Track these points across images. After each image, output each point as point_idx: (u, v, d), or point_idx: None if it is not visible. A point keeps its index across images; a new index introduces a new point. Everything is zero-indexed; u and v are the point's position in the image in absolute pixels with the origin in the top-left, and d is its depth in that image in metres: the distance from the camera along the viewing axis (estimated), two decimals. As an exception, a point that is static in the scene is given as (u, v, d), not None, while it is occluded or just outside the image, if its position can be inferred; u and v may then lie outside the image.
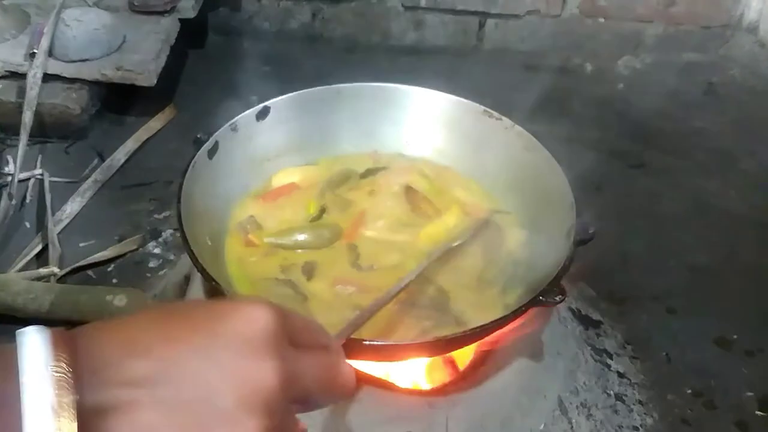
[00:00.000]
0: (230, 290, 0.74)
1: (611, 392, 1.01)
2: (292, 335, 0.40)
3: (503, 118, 0.94)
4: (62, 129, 1.53)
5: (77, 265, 1.23)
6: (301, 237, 0.88)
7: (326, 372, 0.42)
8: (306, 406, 0.41)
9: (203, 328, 0.36)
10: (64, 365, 0.32)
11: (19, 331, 0.34)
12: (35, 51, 1.48)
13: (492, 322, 0.70)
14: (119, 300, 1.09)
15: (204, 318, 0.37)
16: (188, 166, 0.83)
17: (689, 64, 1.89)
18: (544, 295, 0.71)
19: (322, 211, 0.92)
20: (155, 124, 1.60)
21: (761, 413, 1.05)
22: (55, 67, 1.51)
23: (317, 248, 0.87)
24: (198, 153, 0.86)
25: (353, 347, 0.71)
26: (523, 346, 0.85)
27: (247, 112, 0.93)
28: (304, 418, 0.41)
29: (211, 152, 0.87)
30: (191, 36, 1.80)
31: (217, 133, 0.89)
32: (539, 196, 0.88)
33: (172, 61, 1.62)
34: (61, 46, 1.52)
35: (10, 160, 1.44)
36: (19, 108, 1.45)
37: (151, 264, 1.26)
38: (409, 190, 0.95)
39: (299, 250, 0.87)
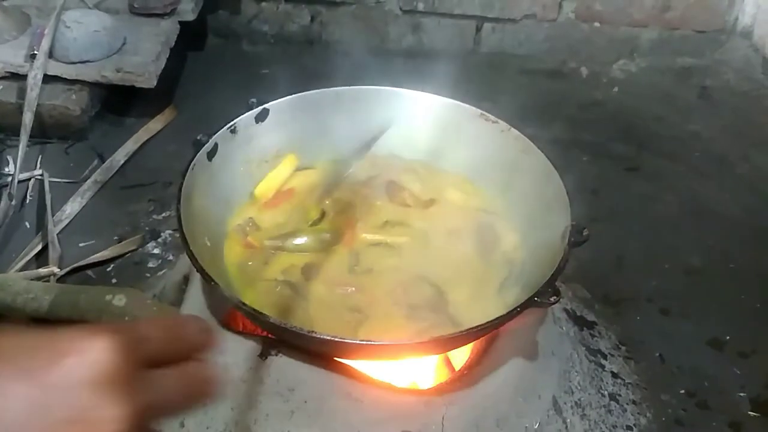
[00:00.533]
0: (229, 291, 0.75)
1: (605, 392, 1.02)
2: (148, 356, 0.39)
3: (499, 121, 0.95)
4: (62, 130, 1.54)
5: (77, 265, 1.24)
6: (301, 240, 0.89)
7: (187, 388, 0.41)
8: (166, 417, 0.41)
9: (37, 377, 0.35)
10: None
11: None
12: (36, 52, 1.49)
13: (487, 322, 0.71)
14: (119, 300, 1.10)
15: (40, 364, 0.35)
16: (188, 167, 0.84)
17: (684, 68, 1.91)
18: (539, 296, 0.72)
19: (323, 214, 0.93)
20: (155, 125, 1.60)
21: (754, 413, 1.07)
22: (56, 69, 1.52)
23: (317, 251, 0.88)
24: (197, 154, 0.86)
25: (351, 348, 0.73)
26: (518, 347, 0.86)
27: (246, 114, 0.94)
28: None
29: (211, 154, 0.88)
30: (191, 38, 1.81)
31: (216, 135, 0.89)
32: (535, 199, 0.89)
33: (171, 63, 1.63)
34: (61, 47, 1.53)
35: (11, 160, 1.45)
36: (19, 109, 1.46)
37: (151, 264, 1.27)
38: (394, 186, 0.96)
39: (299, 253, 0.88)
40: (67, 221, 1.34)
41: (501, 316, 0.71)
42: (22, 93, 1.48)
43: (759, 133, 1.68)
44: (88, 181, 1.43)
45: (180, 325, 0.43)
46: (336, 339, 0.70)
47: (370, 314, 0.80)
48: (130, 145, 1.53)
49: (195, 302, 0.88)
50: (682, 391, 1.09)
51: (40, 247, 1.27)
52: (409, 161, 1.01)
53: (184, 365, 0.42)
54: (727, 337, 1.18)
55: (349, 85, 1.00)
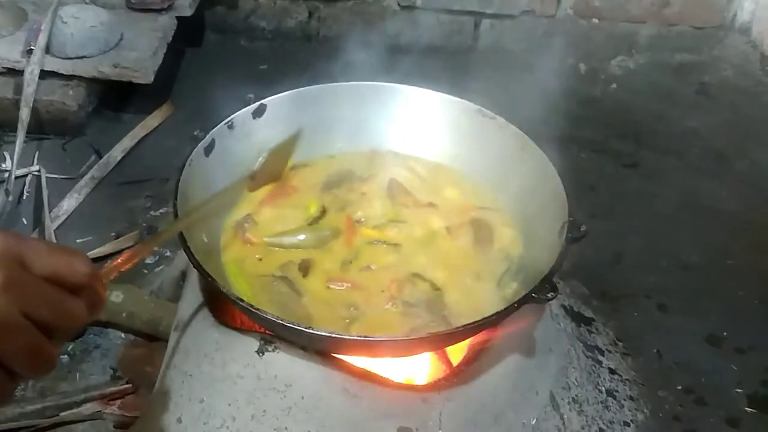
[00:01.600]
0: (226, 287, 0.75)
1: (602, 388, 1.02)
2: (27, 262, 0.43)
3: (497, 117, 0.95)
4: (59, 126, 1.54)
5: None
6: (300, 238, 0.89)
7: (51, 306, 0.44)
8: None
9: None
10: None
11: None
12: (32, 48, 1.49)
13: (484, 318, 0.71)
14: (116, 296, 1.10)
15: None
16: (185, 163, 0.84)
17: (682, 64, 1.91)
18: (536, 292, 0.72)
19: (323, 212, 0.93)
20: (152, 121, 1.60)
21: (751, 410, 1.07)
22: (53, 64, 1.51)
23: (315, 248, 0.88)
24: (195, 150, 0.86)
25: (348, 344, 0.73)
26: (515, 343, 0.86)
27: (243, 109, 0.94)
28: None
29: (208, 149, 0.88)
30: (188, 34, 1.81)
31: (213, 131, 0.89)
32: (532, 195, 0.89)
33: (169, 59, 1.63)
34: (58, 43, 1.52)
35: (7, 156, 1.44)
36: (16, 105, 1.45)
37: (148, 260, 1.27)
38: (392, 183, 0.96)
39: (297, 249, 0.88)
40: (64, 217, 1.34)
41: (498, 312, 0.72)
42: (18, 89, 1.47)
43: (757, 129, 1.68)
44: (86, 177, 1.43)
45: (67, 254, 0.46)
46: (333, 335, 0.70)
47: (367, 311, 0.80)
48: (128, 141, 1.53)
49: (192, 298, 0.88)
50: (680, 388, 1.09)
51: (37, 243, 1.27)
52: (407, 157, 1.01)
53: (59, 288, 0.45)
54: (725, 334, 1.18)
55: (347, 81, 1.00)
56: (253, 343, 0.79)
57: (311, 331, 0.69)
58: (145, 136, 1.57)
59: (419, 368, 0.90)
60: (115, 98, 1.62)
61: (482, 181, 0.97)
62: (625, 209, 1.44)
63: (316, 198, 0.94)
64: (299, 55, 1.91)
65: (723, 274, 1.30)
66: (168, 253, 1.28)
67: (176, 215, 0.78)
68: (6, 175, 1.37)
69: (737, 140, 1.64)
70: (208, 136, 0.88)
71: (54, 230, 1.29)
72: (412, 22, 1.95)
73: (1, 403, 0.44)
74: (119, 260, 0.56)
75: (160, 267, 1.25)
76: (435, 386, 0.81)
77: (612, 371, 1.07)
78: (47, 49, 1.51)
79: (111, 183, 1.44)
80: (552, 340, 0.96)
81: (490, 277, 0.85)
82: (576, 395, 0.95)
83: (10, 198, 1.32)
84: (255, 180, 0.81)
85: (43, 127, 1.52)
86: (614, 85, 1.85)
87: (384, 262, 0.87)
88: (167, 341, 0.90)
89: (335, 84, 1.00)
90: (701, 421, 1.05)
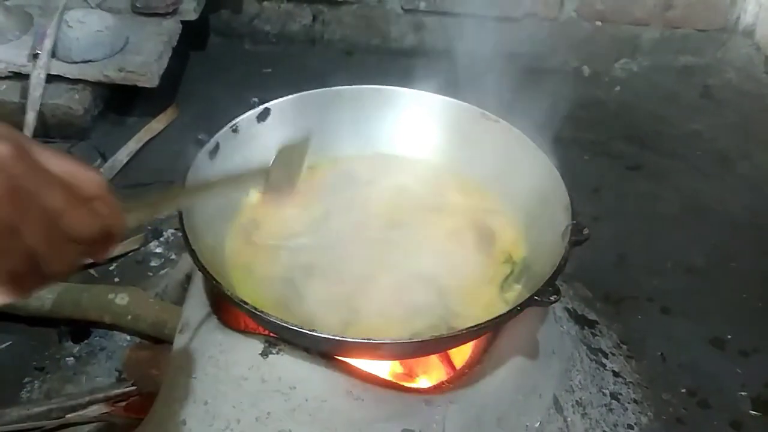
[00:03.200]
0: (230, 289, 0.75)
1: (606, 391, 1.02)
2: (39, 158, 0.43)
3: (501, 120, 0.95)
4: (65, 129, 1.55)
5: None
6: (304, 241, 0.89)
7: (63, 196, 0.43)
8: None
9: None
10: None
11: None
12: (38, 52, 1.50)
13: (488, 321, 0.71)
14: (121, 299, 1.10)
15: None
16: (190, 166, 0.85)
17: (686, 67, 1.90)
18: (539, 294, 0.72)
19: (327, 215, 0.93)
20: (157, 125, 1.61)
21: (755, 412, 1.07)
22: (58, 68, 1.52)
23: (320, 251, 0.88)
24: (199, 154, 0.87)
25: (352, 346, 0.73)
26: (519, 346, 0.86)
27: (248, 113, 0.94)
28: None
29: (212, 153, 0.89)
30: (193, 38, 1.81)
31: (218, 134, 0.90)
32: (536, 198, 0.89)
33: (174, 63, 1.64)
34: (64, 47, 1.53)
35: (13, 160, 1.45)
36: (22, 108, 1.46)
37: (153, 263, 1.28)
38: (396, 186, 0.96)
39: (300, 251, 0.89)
40: (69, 220, 1.35)
41: (501, 315, 0.72)
42: (24, 93, 1.48)
43: (761, 131, 1.68)
44: (91, 180, 1.43)
45: (79, 162, 0.45)
46: (337, 338, 0.70)
47: (371, 313, 0.80)
48: (133, 145, 1.54)
49: (197, 301, 0.88)
50: (683, 390, 1.09)
51: (43, 246, 1.27)
52: (410, 160, 1.01)
53: (66, 186, 0.44)
54: (729, 336, 1.18)
55: (351, 85, 1.01)
56: (257, 346, 0.79)
57: (315, 333, 0.70)
58: (150, 139, 1.58)
59: (423, 371, 0.90)
60: (121, 102, 1.63)
61: (485, 184, 0.97)
62: (628, 212, 1.44)
63: (320, 201, 0.95)
64: (303, 59, 1.91)
65: (726, 277, 1.30)
66: (173, 256, 1.28)
67: (181, 220, 0.78)
68: (12, 178, 1.38)
69: (741, 143, 1.64)
70: (212, 140, 0.89)
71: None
72: (416, 26, 1.96)
73: (21, 295, 0.43)
74: (144, 200, 0.58)
75: (165, 270, 1.26)
76: (438, 389, 0.81)
77: (616, 374, 1.07)
78: (53, 53, 1.52)
79: (116, 186, 1.45)
80: (555, 342, 0.96)
81: (493, 280, 0.85)
82: (580, 398, 0.95)
83: (17, 201, 1.32)
84: (269, 181, 0.81)
85: (49, 130, 1.53)
86: (618, 88, 1.85)
87: (388, 264, 0.87)
88: (172, 343, 0.90)
89: (339, 87, 1.00)
90: (705, 424, 1.05)
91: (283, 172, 0.83)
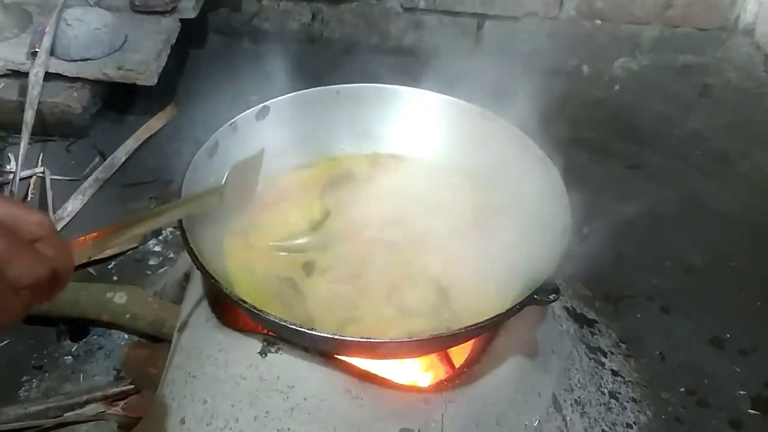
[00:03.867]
0: (229, 288, 0.75)
1: (605, 390, 1.02)
2: None
3: (500, 119, 0.95)
4: (64, 128, 1.54)
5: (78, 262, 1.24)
6: (303, 241, 0.89)
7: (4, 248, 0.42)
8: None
9: None
10: None
11: None
12: (37, 50, 1.50)
13: (487, 320, 0.71)
14: (119, 297, 1.10)
15: None
16: (188, 165, 0.85)
17: (685, 66, 1.90)
18: (538, 293, 0.72)
19: (326, 214, 0.93)
20: (156, 123, 1.61)
21: (754, 411, 1.07)
22: (57, 66, 1.52)
23: (319, 250, 0.88)
24: (198, 152, 0.87)
25: (351, 345, 0.73)
26: (518, 345, 0.86)
27: (246, 111, 0.94)
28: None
29: (211, 151, 0.89)
30: (192, 36, 1.81)
31: (217, 133, 0.90)
32: (534, 196, 0.89)
33: (172, 61, 1.63)
34: (62, 45, 1.53)
35: (12, 158, 1.45)
36: (20, 107, 1.46)
37: (152, 262, 1.28)
38: (394, 185, 0.96)
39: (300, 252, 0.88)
40: (68, 219, 1.35)
41: (500, 314, 0.72)
42: (23, 91, 1.48)
43: (760, 131, 1.68)
44: (90, 178, 1.43)
45: (20, 205, 0.45)
46: (336, 336, 0.70)
47: (370, 312, 0.80)
48: (131, 143, 1.54)
49: (196, 300, 0.88)
50: (683, 389, 1.09)
51: (41, 244, 1.27)
52: (409, 159, 1.01)
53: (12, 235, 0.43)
54: (728, 335, 1.18)
55: (350, 83, 1.01)
56: (256, 345, 0.79)
57: (313, 332, 0.70)
58: (149, 138, 1.57)
59: (421, 369, 0.90)
60: (119, 100, 1.63)
61: (484, 183, 0.97)
62: (628, 211, 1.44)
63: (318, 200, 0.95)
64: (303, 57, 1.91)
65: (726, 276, 1.29)
66: (171, 255, 1.28)
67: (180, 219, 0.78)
68: (10, 176, 1.38)
69: (740, 142, 1.64)
70: (211, 138, 0.89)
71: (58, 231, 1.29)
72: (415, 24, 1.95)
73: None
74: (91, 235, 0.55)
75: (164, 268, 1.25)
76: (437, 387, 0.81)
77: (615, 373, 1.07)
78: (51, 52, 1.52)
79: (115, 185, 1.45)
80: (554, 341, 0.96)
81: (492, 279, 0.85)
82: (578, 397, 0.95)
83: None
84: (224, 200, 0.81)
85: (47, 128, 1.53)
86: (617, 87, 1.84)
87: (387, 263, 0.87)
88: (171, 342, 0.90)
89: (338, 86, 1.00)
90: (704, 423, 1.05)
91: (237, 190, 0.83)
